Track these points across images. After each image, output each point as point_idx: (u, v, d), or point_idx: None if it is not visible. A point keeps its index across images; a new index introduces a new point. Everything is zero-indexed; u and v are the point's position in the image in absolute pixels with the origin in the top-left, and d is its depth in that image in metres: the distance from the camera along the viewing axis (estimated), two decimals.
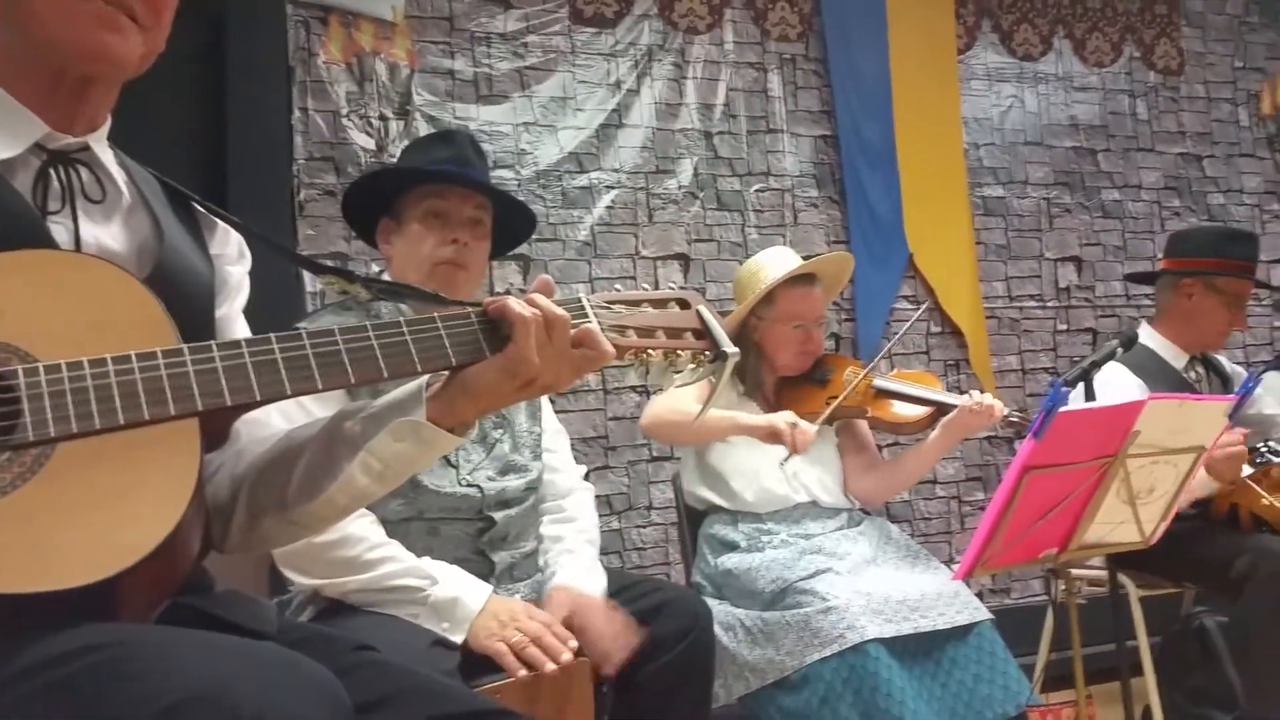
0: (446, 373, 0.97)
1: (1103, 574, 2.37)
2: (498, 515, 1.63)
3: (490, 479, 1.66)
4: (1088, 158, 3.76)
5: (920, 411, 2.20)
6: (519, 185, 2.96)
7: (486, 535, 1.63)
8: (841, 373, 2.28)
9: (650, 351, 1.01)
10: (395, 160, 2.14)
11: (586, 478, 2.86)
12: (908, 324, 2.45)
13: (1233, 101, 4.03)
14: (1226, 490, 2.35)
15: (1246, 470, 2.36)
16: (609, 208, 3.07)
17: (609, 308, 1.02)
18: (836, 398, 2.20)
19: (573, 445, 2.89)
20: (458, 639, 1.46)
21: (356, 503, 1.02)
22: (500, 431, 1.72)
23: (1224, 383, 2.69)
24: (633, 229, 3.09)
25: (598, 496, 2.94)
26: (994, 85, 3.64)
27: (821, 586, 2.01)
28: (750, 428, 2.13)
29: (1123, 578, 2.49)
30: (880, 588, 2.00)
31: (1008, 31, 3.68)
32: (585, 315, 1.00)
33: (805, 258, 2.34)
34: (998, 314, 3.58)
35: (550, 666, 1.46)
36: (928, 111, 3.45)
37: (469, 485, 1.63)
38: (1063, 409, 1.55)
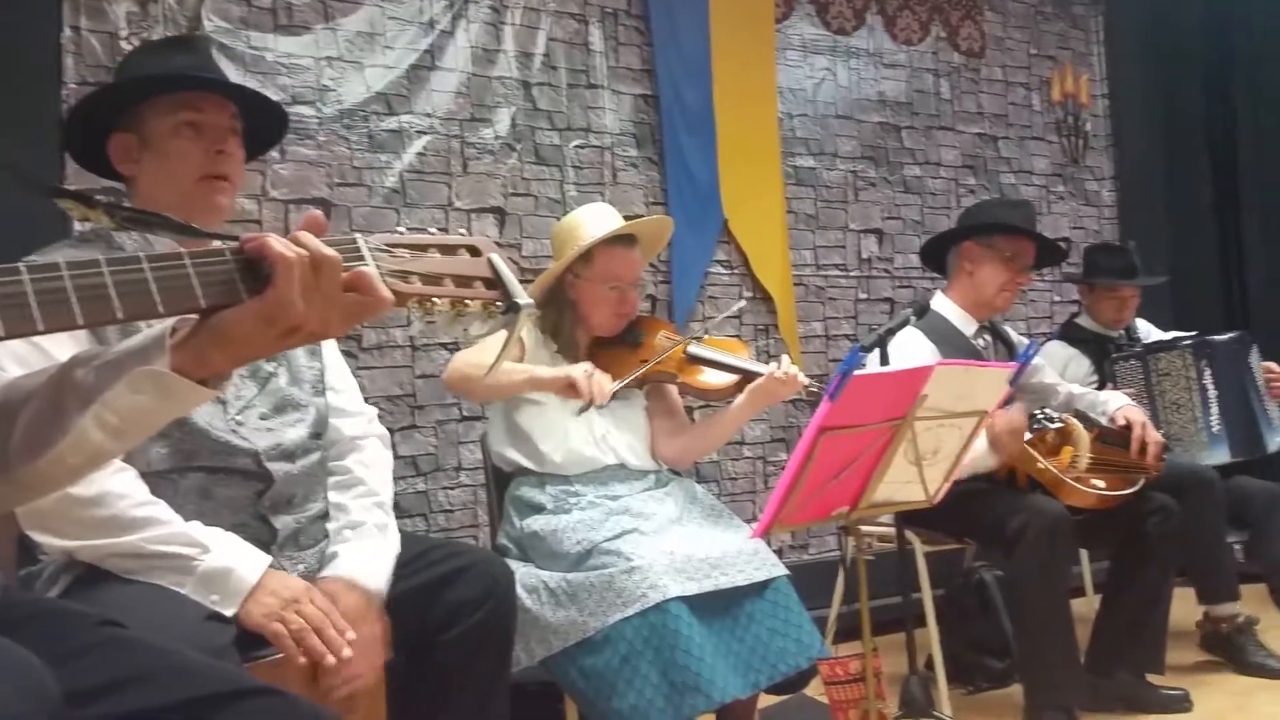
0: (196, 317, 0.87)
1: (892, 531, 2.49)
2: (277, 470, 1.51)
3: (263, 417, 1.54)
4: (893, 134, 3.91)
5: (729, 379, 2.23)
6: (320, 124, 2.78)
7: (267, 497, 1.51)
8: (654, 336, 2.28)
9: (435, 301, 0.93)
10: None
11: (391, 436, 2.78)
12: (722, 315, 2.47)
13: (1027, 86, 4.29)
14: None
15: (1025, 435, 2.52)
16: (420, 154, 2.93)
17: (390, 251, 0.94)
18: (648, 361, 2.19)
19: (378, 404, 2.81)
20: (228, 613, 1.35)
21: (92, 462, 0.90)
22: (274, 364, 1.59)
23: (1010, 351, 2.86)
24: (446, 178, 2.97)
25: (404, 457, 2.86)
26: (808, 57, 3.72)
27: (626, 547, 2.01)
28: (546, 381, 2.10)
29: (910, 534, 2.63)
30: (683, 547, 2.02)
31: (823, 4, 3.76)
32: (361, 258, 0.92)
33: (626, 218, 2.32)
34: (805, 281, 3.68)
35: (330, 660, 1.37)
36: (745, 79, 3.48)
37: (237, 432, 1.50)
38: (857, 373, 1.59)
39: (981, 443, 2.33)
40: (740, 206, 3.47)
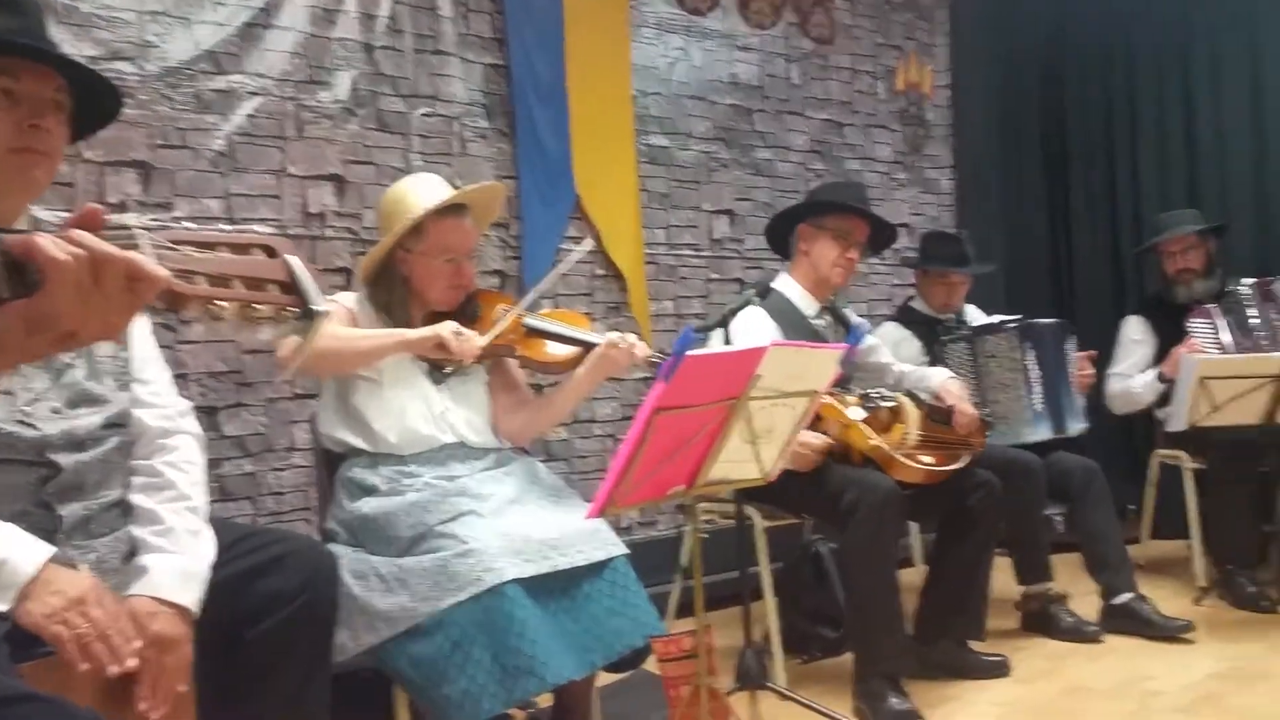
0: None
1: (734, 507, 2.54)
2: (65, 460, 1.40)
3: (55, 411, 1.42)
4: (745, 116, 3.95)
5: (569, 351, 2.20)
6: (141, 82, 2.59)
7: (53, 484, 1.39)
8: (492, 309, 2.22)
9: (221, 303, 0.87)
10: None
11: (214, 416, 2.64)
12: (560, 265, 2.40)
13: (873, 75, 4.40)
14: (841, 431, 2.57)
15: (859, 414, 2.61)
16: (251, 117, 2.77)
17: (175, 249, 0.87)
18: (486, 335, 2.14)
19: (201, 381, 2.67)
20: (2, 608, 1.24)
21: None
22: (72, 354, 1.47)
23: (848, 331, 2.94)
24: (279, 143, 2.82)
25: (230, 437, 2.71)
26: (663, 35, 3.71)
27: (461, 529, 1.97)
28: (415, 341, 2.07)
29: (750, 510, 2.68)
30: (521, 528, 1.99)
31: None
32: (136, 249, 0.84)
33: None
34: (657, 260, 3.68)
35: (114, 670, 1.28)
36: (599, 53, 3.44)
37: (23, 423, 1.38)
38: (690, 353, 1.59)
39: None
40: (593, 182, 3.44)
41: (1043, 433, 3.27)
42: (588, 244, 2.60)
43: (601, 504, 1.67)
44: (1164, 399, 3.47)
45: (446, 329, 2.03)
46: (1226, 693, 2.54)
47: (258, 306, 0.88)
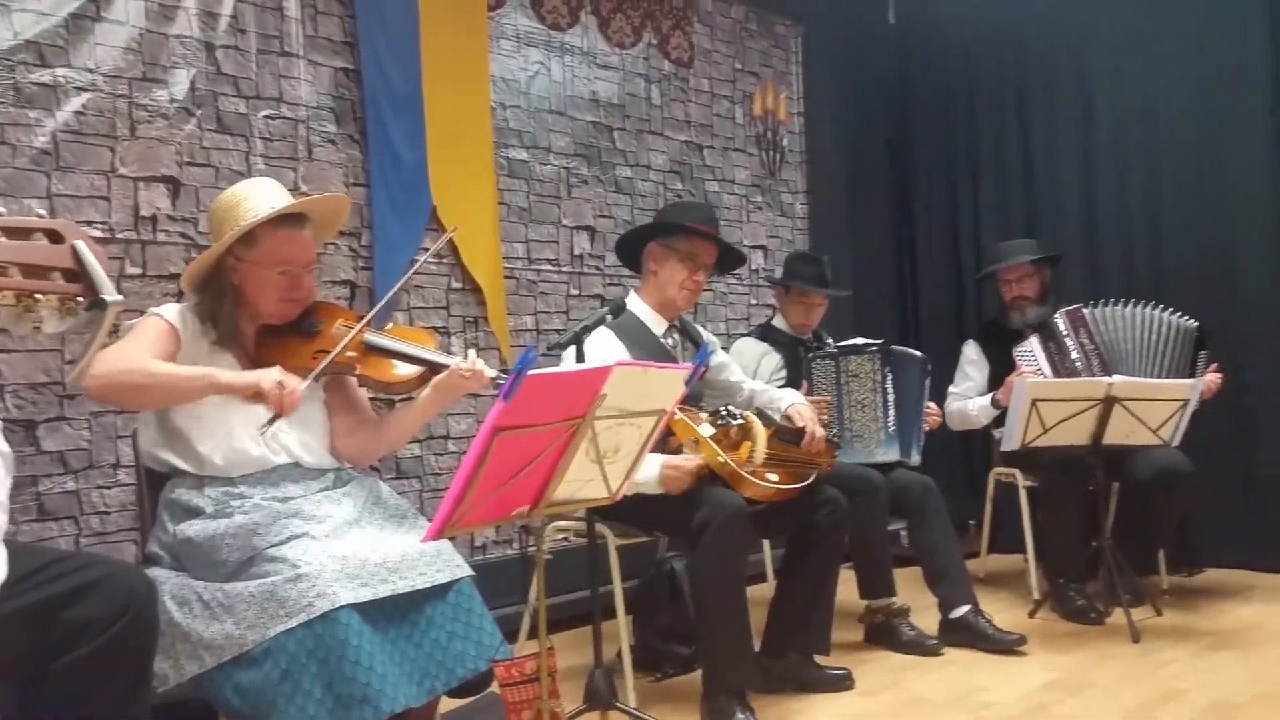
0: None
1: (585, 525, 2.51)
2: None
3: None
4: (605, 134, 3.96)
5: (413, 371, 2.13)
6: None
7: None
8: (332, 324, 2.13)
9: None
10: None
11: (33, 430, 2.45)
12: (405, 275, 2.33)
13: (731, 99, 4.49)
14: (692, 448, 2.58)
15: (709, 430, 2.63)
16: (79, 113, 2.60)
17: None
18: (326, 352, 2.05)
19: (19, 393, 2.48)
20: None
21: None
22: None
23: (699, 350, 2.97)
24: (109, 141, 2.65)
25: (50, 453, 2.52)
26: (522, 48, 3.68)
27: (293, 553, 1.88)
28: (229, 386, 1.93)
29: (603, 529, 2.67)
30: (359, 550, 1.91)
31: None
32: None
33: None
34: (516, 275, 3.64)
35: None
36: (457, 63, 3.39)
37: None
38: (531, 372, 1.56)
39: (652, 469, 2.40)
40: (450, 194, 3.37)
41: (892, 454, 3.39)
42: (444, 239, 2.51)
43: (439, 526, 1.62)
44: (999, 419, 3.64)
45: (268, 378, 1.91)
46: (1054, 702, 2.66)
47: (39, 296, 0.80)
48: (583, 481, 1.89)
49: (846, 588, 3.11)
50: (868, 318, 4.68)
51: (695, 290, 2.83)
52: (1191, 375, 3.49)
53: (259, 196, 2.05)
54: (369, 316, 2.14)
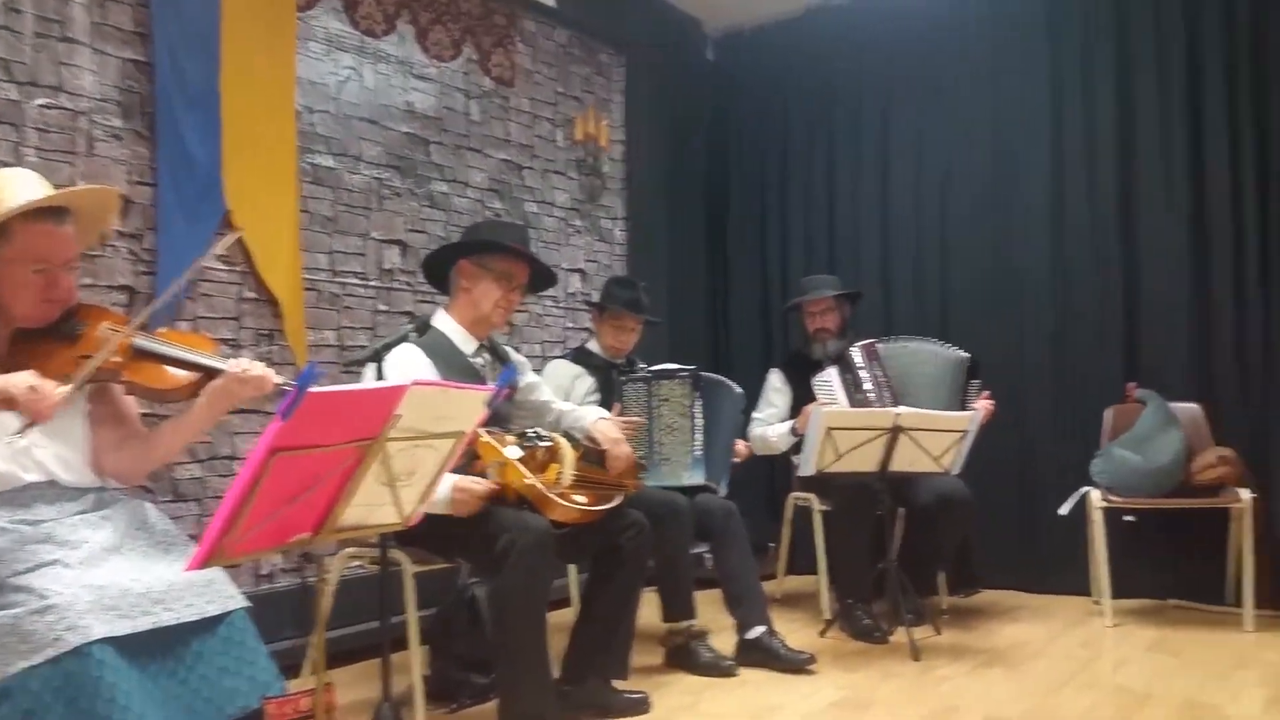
0: None
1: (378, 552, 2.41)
2: None
3: None
4: (421, 146, 3.86)
5: (186, 376, 1.97)
6: None
7: None
8: (97, 327, 1.96)
9: None
10: None
11: None
12: (182, 276, 2.16)
13: (553, 121, 4.49)
14: (498, 470, 2.53)
15: (516, 452, 2.58)
16: None
17: None
18: (89, 357, 1.87)
19: None
20: None
21: None
22: None
23: (504, 370, 2.93)
24: None
25: None
26: (333, 52, 3.55)
27: (41, 582, 1.70)
28: None
29: (399, 555, 2.57)
30: (119, 580, 1.75)
31: (352, 1, 3.62)
32: None
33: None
34: (319, 287, 3.48)
35: None
36: (259, 62, 3.22)
37: None
38: (313, 390, 1.47)
39: (443, 490, 2.34)
40: (247, 199, 3.18)
41: (698, 478, 3.44)
42: (228, 239, 2.36)
43: (204, 554, 1.50)
44: (799, 446, 3.77)
45: (19, 383, 1.73)
46: (841, 718, 2.75)
47: None
48: (374, 506, 1.81)
49: (648, 610, 3.13)
50: (682, 345, 4.76)
51: (509, 309, 2.79)
52: (964, 403, 3.74)
53: (14, 188, 1.87)
54: (139, 317, 1.97)
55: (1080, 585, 4.12)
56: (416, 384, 1.72)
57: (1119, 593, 3.93)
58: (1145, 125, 4.29)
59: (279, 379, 1.96)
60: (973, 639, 3.64)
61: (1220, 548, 3.91)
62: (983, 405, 3.73)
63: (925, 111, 4.79)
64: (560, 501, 2.53)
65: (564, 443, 2.67)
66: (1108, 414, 4.14)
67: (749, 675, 3.17)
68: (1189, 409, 4.02)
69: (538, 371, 3.25)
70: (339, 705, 1.85)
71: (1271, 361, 4.01)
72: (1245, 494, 3.70)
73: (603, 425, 2.86)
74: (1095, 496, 3.83)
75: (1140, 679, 3.10)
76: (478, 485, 2.47)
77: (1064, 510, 3.93)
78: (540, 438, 2.64)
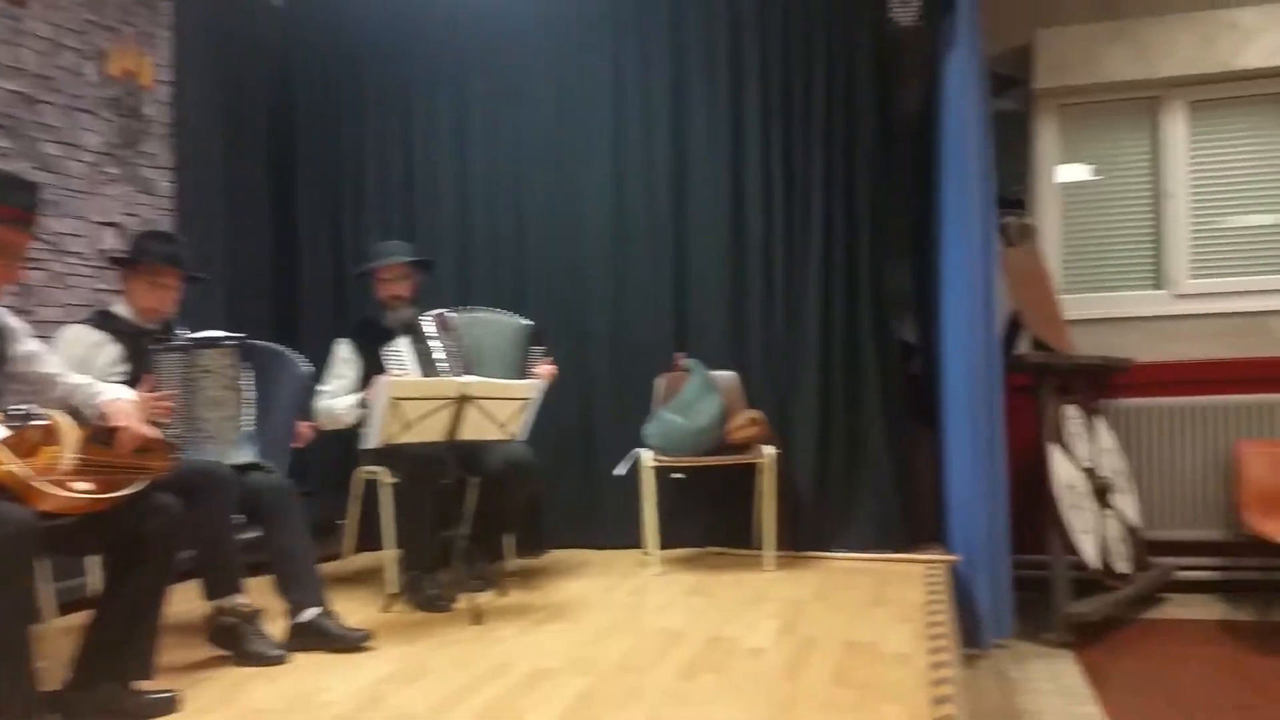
0: None
1: None
2: None
3: None
4: None
5: None
6: None
7: None
8: None
9: None
10: None
11: None
12: None
13: (81, 53, 3.92)
14: None
15: (2, 432, 2.21)
16: None
17: None
18: None
19: None
20: None
21: None
22: None
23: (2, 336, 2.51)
24: None
25: None
26: None
27: None
28: None
29: None
30: None
31: None
32: None
33: None
34: None
35: None
36: None
37: None
38: None
39: None
40: None
41: (248, 456, 3.20)
42: None
43: None
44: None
45: None
46: (390, 692, 2.70)
47: None
48: None
49: (190, 598, 2.86)
50: (242, 312, 4.41)
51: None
52: (529, 369, 3.85)
53: None
54: None
55: (638, 539, 4.43)
56: None
57: (668, 543, 4.28)
58: (695, 112, 4.67)
59: None
60: (535, 598, 3.76)
61: (751, 499, 4.40)
62: (545, 370, 3.86)
63: (498, 91, 4.85)
64: (52, 490, 2.20)
65: (65, 422, 2.33)
66: (660, 381, 4.48)
67: (300, 660, 3.00)
68: (727, 376, 4.47)
69: (45, 339, 2.81)
70: None
71: (791, 336, 4.56)
72: (769, 450, 4.18)
73: (120, 403, 2.53)
74: (647, 457, 4.13)
75: (677, 620, 3.39)
76: None
77: (620, 471, 4.20)
78: (32, 417, 2.28)
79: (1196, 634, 4.34)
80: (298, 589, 3.13)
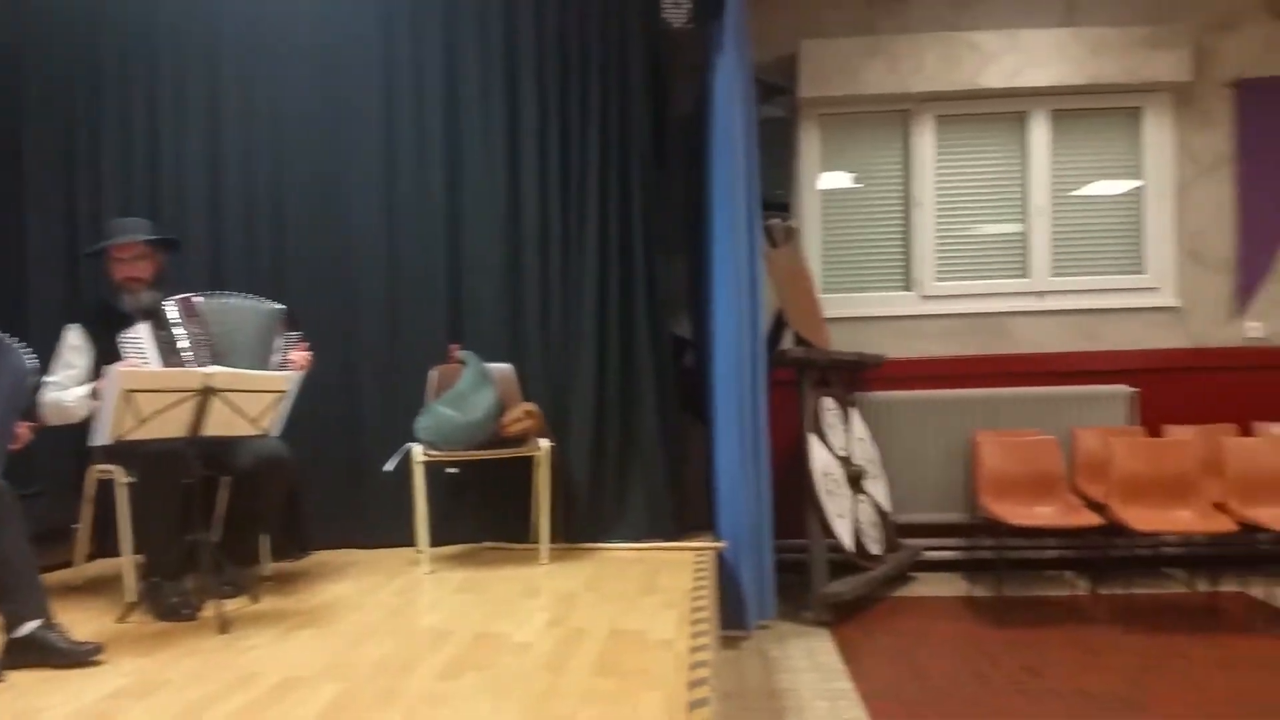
0: None
1: None
2: None
3: None
4: None
5: None
6: None
7: None
8: None
9: None
10: None
11: None
12: None
13: None
14: None
15: None
16: None
17: None
18: None
19: None
20: None
21: None
22: None
23: None
24: None
25: None
26: None
27: None
28: None
29: None
30: None
31: None
32: None
33: None
34: None
35: None
36: None
37: None
38: None
39: None
40: None
41: None
42: None
43: None
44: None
45: None
46: (118, 710, 2.46)
47: None
48: None
49: None
50: None
51: None
52: (282, 356, 3.64)
53: None
54: None
55: (409, 537, 4.28)
56: None
57: (441, 540, 4.17)
58: (470, 101, 4.58)
59: None
60: (291, 603, 3.56)
61: (527, 492, 4.35)
62: (299, 358, 3.66)
63: (254, 68, 4.56)
64: None
65: None
66: (433, 373, 4.36)
67: (17, 678, 2.70)
68: (503, 369, 4.40)
69: None
70: None
71: (567, 329, 4.55)
72: (545, 443, 4.15)
73: None
74: (418, 451, 4.00)
75: (444, 619, 3.29)
76: None
77: (389, 467, 4.05)
78: None
79: (940, 609, 4.68)
80: (15, 601, 2.81)
